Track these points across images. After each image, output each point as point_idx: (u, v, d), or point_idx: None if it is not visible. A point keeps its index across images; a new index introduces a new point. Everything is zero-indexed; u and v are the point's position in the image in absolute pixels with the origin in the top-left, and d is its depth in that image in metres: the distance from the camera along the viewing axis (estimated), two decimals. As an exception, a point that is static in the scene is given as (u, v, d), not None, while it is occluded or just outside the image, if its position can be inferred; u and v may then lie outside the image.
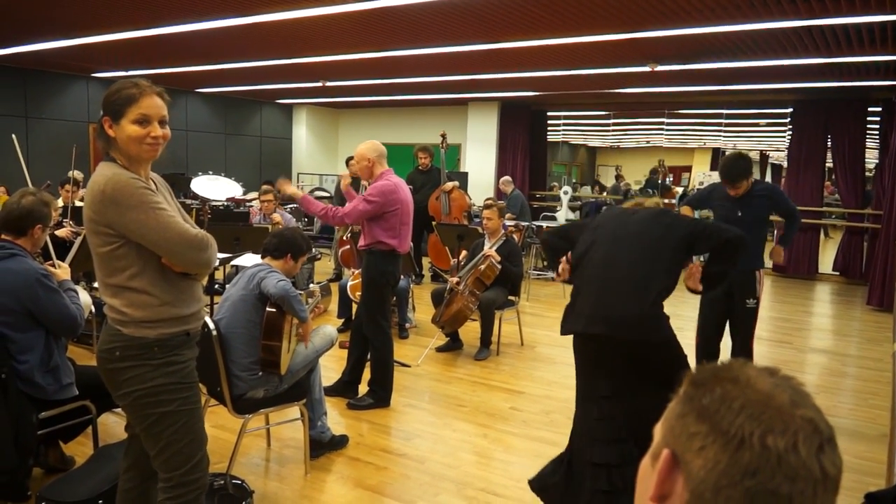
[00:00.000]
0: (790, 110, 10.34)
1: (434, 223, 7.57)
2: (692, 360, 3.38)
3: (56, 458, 3.26)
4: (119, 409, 2.65)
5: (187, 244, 1.99)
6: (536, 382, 4.97)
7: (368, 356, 4.41)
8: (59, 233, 5.24)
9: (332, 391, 4.35)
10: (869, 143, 10.11)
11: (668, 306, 2.66)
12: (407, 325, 6.18)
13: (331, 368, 4.83)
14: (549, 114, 13.07)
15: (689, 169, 18.11)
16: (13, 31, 7.38)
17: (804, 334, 6.95)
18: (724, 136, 15.11)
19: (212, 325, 2.99)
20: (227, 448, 3.24)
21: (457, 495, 3.21)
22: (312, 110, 14.64)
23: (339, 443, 3.67)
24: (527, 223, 9.30)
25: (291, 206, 9.61)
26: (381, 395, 4.32)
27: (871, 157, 10.97)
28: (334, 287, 6.83)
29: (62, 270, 3.12)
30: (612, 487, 2.58)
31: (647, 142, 18.07)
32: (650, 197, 3.17)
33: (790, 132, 10.41)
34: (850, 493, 2.81)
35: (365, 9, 5.61)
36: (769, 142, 16.34)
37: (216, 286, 6.11)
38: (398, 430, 4.02)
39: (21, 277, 2.77)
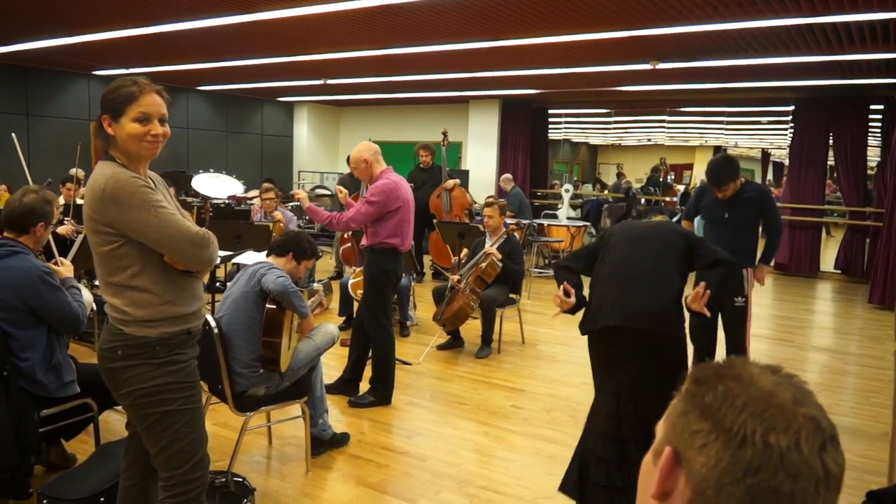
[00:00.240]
0: (792, 108, 10.32)
1: (435, 221, 7.57)
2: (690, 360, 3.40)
3: (57, 456, 3.27)
4: (120, 407, 2.65)
5: (189, 241, 1.99)
6: (538, 380, 4.97)
7: (370, 354, 4.42)
8: (61, 230, 5.24)
9: (333, 389, 4.35)
10: (871, 142, 10.09)
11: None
12: (408, 322, 6.18)
13: (332, 366, 4.84)
14: (550, 111, 13.05)
15: (690, 167, 18.11)
16: (14, 28, 7.38)
17: (805, 332, 6.94)
18: (726, 134, 15.11)
19: (213, 323, 2.99)
20: (229, 446, 3.24)
21: (458, 493, 3.21)
22: (313, 108, 14.64)
23: (341, 441, 3.67)
24: (528, 221, 9.30)
25: (293, 203, 9.63)
26: (382, 393, 4.33)
27: (873, 156, 10.96)
28: (336, 285, 6.84)
29: (64, 268, 3.12)
30: (610, 483, 2.62)
31: (649, 140, 18.06)
32: (657, 214, 3.32)
33: (792, 130, 10.39)
34: (852, 491, 2.80)
35: (366, 6, 5.61)
36: (771, 139, 16.31)
37: (217, 284, 6.12)
38: (399, 427, 4.02)
39: (23, 275, 2.78)
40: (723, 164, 4.11)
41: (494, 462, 3.58)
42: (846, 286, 9.69)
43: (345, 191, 4.48)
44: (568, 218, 11.11)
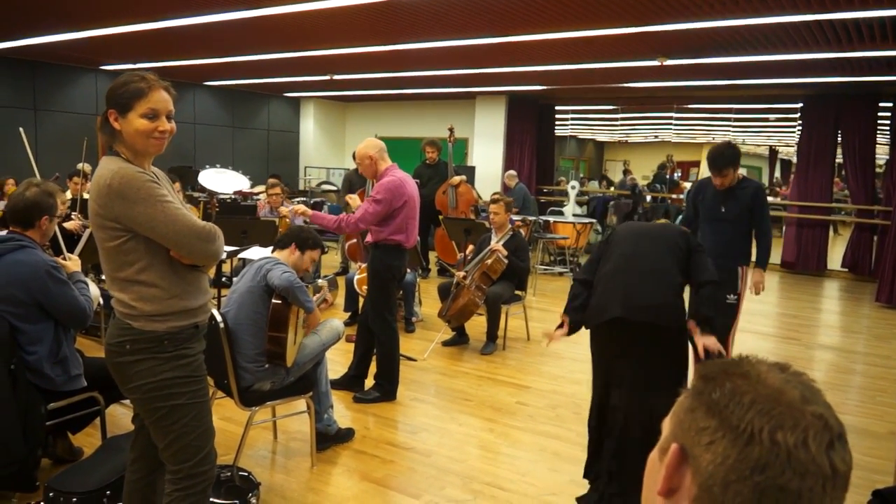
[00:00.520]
0: (800, 105, 10.27)
1: (441, 217, 7.57)
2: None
3: (64, 449, 3.29)
4: (127, 401, 2.66)
5: (196, 235, 1.99)
6: (543, 377, 4.97)
7: (375, 350, 4.42)
8: (68, 225, 5.25)
9: (338, 385, 4.36)
10: (879, 139, 10.03)
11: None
12: (413, 318, 6.19)
13: (337, 362, 4.84)
14: (556, 108, 13.02)
15: (697, 164, 18.03)
16: (22, 23, 7.40)
17: (812, 331, 6.92)
18: (734, 132, 15.03)
19: (219, 318, 3.00)
20: (234, 440, 3.25)
21: (462, 489, 3.21)
22: (320, 104, 14.65)
23: (346, 436, 3.68)
24: (533, 218, 9.29)
25: (299, 199, 9.64)
26: (387, 389, 4.33)
27: (882, 153, 10.89)
28: (341, 281, 6.85)
29: (72, 262, 3.13)
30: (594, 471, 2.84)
31: (656, 136, 18.00)
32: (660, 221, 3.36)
33: (800, 127, 10.34)
34: (858, 489, 2.80)
35: (372, 1, 5.60)
36: (779, 137, 16.24)
37: (224, 279, 6.13)
38: (404, 423, 4.03)
39: (31, 269, 2.79)
40: (724, 150, 4.11)
41: (499, 458, 3.58)
42: (853, 284, 9.65)
43: (358, 200, 4.46)
44: (574, 215, 11.09)
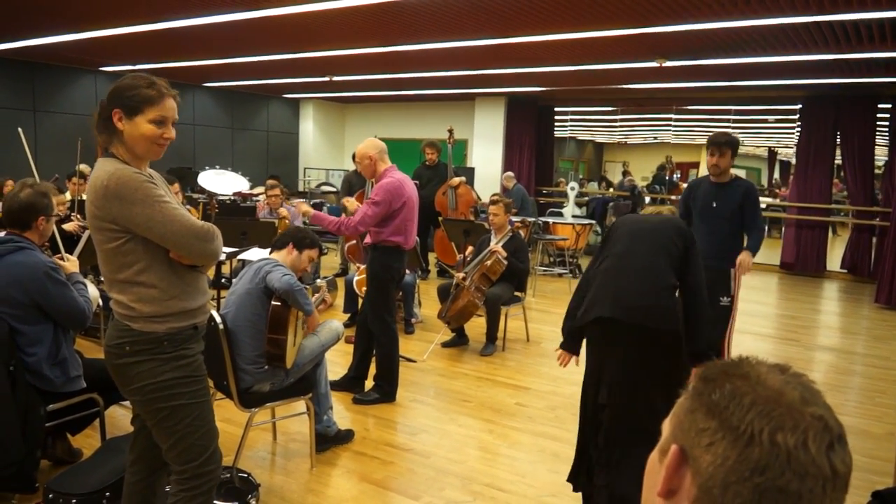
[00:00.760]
0: (799, 107, 10.28)
1: (440, 218, 7.57)
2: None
3: (63, 451, 3.28)
4: (126, 402, 2.66)
5: (194, 235, 1.99)
6: (542, 378, 4.97)
7: (374, 351, 4.42)
8: (67, 227, 5.24)
9: (338, 386, 4.36)
10: (878, 141, 10.04)
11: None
12: (413, 320, 6.19)
13: (337, 363, 4.84)
14: (556, 109, 13.03)
15: (696, 165, 18.02)
16: (22, 24, 7.40)
17: (811, 332, 6.92)
18: (733, 133, 15.03)
19: (218, 319, 3.00)
20: (234, 441, 3.25)
21: (462, 490, 3.21)
22: (319, 105, 14.65)
23: (345, 437, 3.68)
24: (533, 219, 9.29)
25: (298, 200, 9.63)
26: (386, 390, 4.33)
27: (881, 155, 10.90)
28: (340, 282, 6.85)
29: (70, 263, 3.12)
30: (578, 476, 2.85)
31: (655, 138, 18.00)
32: (665, 205, 3.32)
33: (799, 129, 10.34)
34: (858, 491, 2.80)
35: (372, 3, 5.60)
36: (778, 138, 16.25)
37: (223, 280, 6.13)
38: (404, 424, 4.03)
39: (29, 270, 2.79)
40: (724, 133, 4.26)
41: (498, 459, 3.58)
42: (853, 286, 9.65)
43: (356, 203, 4.47)
44: (573, 216, 11.08)
